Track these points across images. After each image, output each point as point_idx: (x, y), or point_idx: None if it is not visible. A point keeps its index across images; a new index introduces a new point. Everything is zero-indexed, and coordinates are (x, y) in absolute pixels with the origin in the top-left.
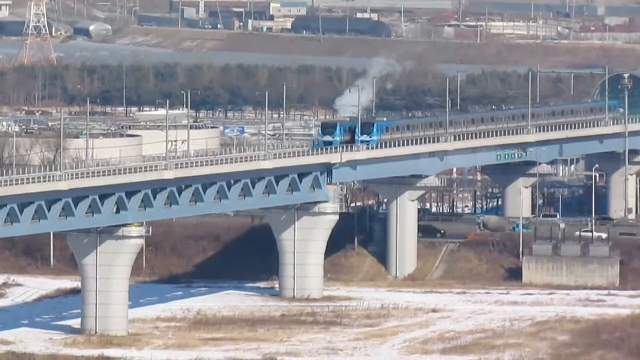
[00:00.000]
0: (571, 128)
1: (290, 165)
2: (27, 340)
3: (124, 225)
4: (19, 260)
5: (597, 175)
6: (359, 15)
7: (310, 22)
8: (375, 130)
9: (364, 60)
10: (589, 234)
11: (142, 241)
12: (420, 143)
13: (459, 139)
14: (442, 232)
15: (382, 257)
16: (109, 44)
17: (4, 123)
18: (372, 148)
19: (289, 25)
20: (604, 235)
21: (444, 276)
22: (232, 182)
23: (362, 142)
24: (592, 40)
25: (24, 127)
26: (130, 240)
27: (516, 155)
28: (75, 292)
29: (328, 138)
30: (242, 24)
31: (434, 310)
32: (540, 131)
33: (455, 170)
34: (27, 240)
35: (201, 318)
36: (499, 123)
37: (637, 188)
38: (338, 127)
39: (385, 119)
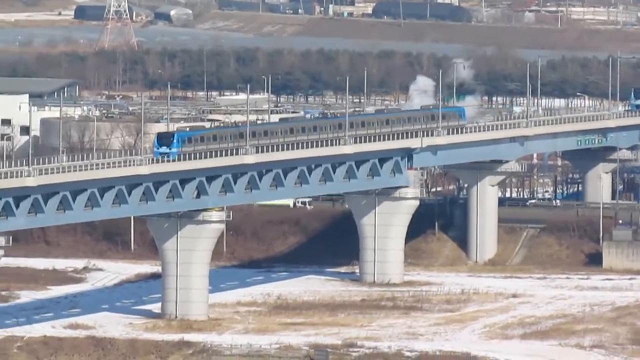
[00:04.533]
0: None
1: (370, 149)
2: (107, 324)
3: (204, 210)
4: (99, 244)
5: None
6: (440, 0)
7: (391, 7)
8: (175, 141)
9: (444, 45)
10: None
11: (222, 225)
12: (499, 129)
13: (539, 125)
14: None
15: (462, 241)
16: (189, 28)
17: (85, 107)
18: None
19: (369, 10)
20: None
21: (524, 261)
22: (313, 166)
23: (161, 154)
24: None
25: (104, 111)
26: (210, 225)
27: (596, 140)
28: (155, 276)
29: (164, 149)
30: (322, 8)
31: (514, 295)
32: (620, 117)
33: (535, 155)
34: (107, 225)
35: (281, 302)
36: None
37: None
38: (175, 137)
39: (187, 129)
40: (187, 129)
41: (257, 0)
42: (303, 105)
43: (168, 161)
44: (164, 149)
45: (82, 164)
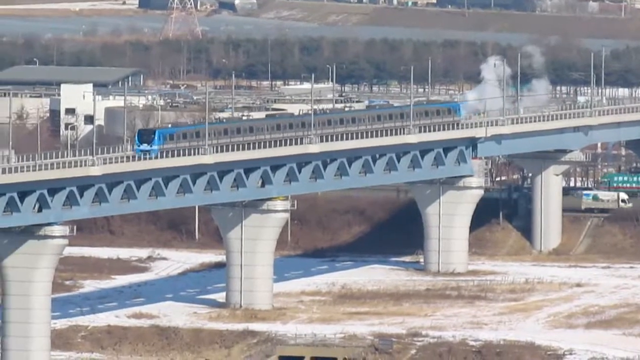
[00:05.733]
0: None
1: (435, 139)
2: (171, 314)
3: (269, 199)
4: (164, 233)
5: None
6: None
7: None
8: (156, 138)
9: (508, 35)
10: None
11: (286, 215)
12: (564, 118)
13: (603, 114)
14: None
15: (527, 231)
16: (253, 17)
17: (149, 96)
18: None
19: (433, 0)
20: None
21: (588, 250)
22: (377, 156)
23: (141, 151)
24: None
25: (168, 100)
26: (275, 214)
27: None
28: (219, 265)
29: (145, 146)
30: None
31: (578, 285)
32: None
33: (599, 144)
34: (171, 214)
35: (346, 292)
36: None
37: None
38: (156, 134)
39: (169, 126)
40: (169, 126)
41: None
42: (367, 95)
43: (234, 150)
44: (144, 146)
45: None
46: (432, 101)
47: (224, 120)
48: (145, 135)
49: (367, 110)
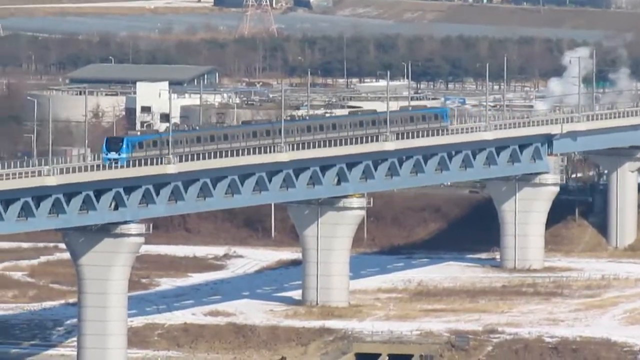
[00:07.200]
0: None
1: (510, 136)
2: (247, 311)
3: (345, 196)
4: (240, 231)
5: None
6: None
7: None
8: (124, 146)
9: (583, 32)
10: None
11: (363, 212)
12: (639, 114)
13: None
14: None
15: (603, 227)
16: (329, 15)
17: (225, 94)
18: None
19: None
20: None
21: None
22: (453, 153)
23: (109, 159)
24: None
25: (244, 98)
26: (351, 211)
27: None
28: (295, 263)
29: (113, 155)
30: None
31: None
32: None
33: None
34: (247, 212)
35: (422, 289)
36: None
37: None
38: (125, 142)
39: (138, 133)
40: (138, 133)
41: None
42: (443, 92)
43: (310, 148)
44: (112, 155)
45: (224, 150)
46: (417, 107)
47: (307, 117)
48: (114, 144)
49: (347, 116)
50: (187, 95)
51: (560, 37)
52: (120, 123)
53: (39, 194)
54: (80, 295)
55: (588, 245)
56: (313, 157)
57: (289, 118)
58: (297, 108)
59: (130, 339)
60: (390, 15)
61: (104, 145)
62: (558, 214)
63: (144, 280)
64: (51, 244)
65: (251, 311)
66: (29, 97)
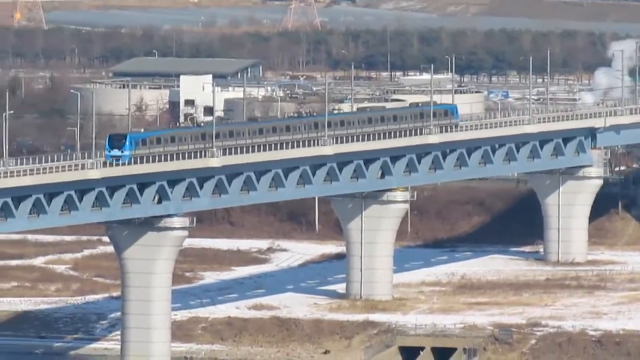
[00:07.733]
0: None
1: (554, 129)
2: (291, 305)
3: (389, 190)
4: (284, 225)
5: None
6: None
7: None
8: (127, 143)
9: (626, 25)
10: None
11: (406, 205)
12: None
13: None
14: None
15: None
16: (372, 8)
17: (268, 88)
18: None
19: None
20: None
21: None
22: (497, 146)
23: (112, 157)
24: None
25: (288, 91)
26: (394, 205)
27: None
28: (339, 256)
29: (116, 152)
30: None
31: None
32: None
33: None
34: (291, 205)
35: (465, 282)
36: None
37: None
38: (128, 139)
39: (142, 130)
40: (142, 130)
41: None
42: (486, 85)
43: (354, 141)
44: (115, 152)
45: (267, 143)
46: (427, 103)
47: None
48: (116, 141)
49: (356, 113)
50: (230, 88)
51: (603, 31)
52: (163, 116)
53: (83, 188)
54: (124, 289)
55: (631, 238)
56: (357, 150)
57: (331, 111)
58: (341, 101)
59: (174, 333)
60: (433, 8)
61: (107, 142)
62: (601, 207)
63: (187, 274)
64: (94, 237)
65: (295, 305)
66: (72, 91)
